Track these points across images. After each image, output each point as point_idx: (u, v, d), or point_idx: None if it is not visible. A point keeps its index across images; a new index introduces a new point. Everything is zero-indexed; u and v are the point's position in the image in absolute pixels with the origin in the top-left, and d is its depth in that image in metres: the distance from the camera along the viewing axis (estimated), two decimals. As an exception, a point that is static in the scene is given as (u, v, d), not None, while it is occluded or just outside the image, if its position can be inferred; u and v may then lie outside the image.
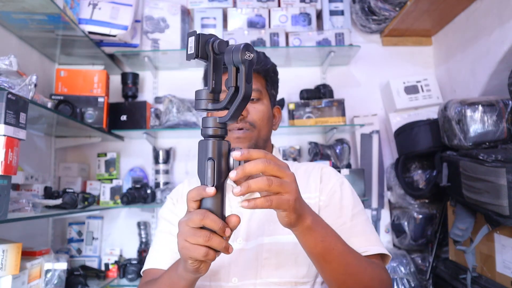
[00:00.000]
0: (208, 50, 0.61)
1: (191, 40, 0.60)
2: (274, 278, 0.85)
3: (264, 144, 0.97)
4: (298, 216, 0.61)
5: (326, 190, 0.91)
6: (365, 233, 0.86)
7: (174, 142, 2.17)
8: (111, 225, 2.11)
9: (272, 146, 1.05)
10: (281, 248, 0.86)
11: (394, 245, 2.09)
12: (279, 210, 0.59)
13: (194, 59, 0.61)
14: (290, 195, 0.57)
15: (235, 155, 0.57)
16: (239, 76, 0.59)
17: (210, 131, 0.59)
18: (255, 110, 0.94)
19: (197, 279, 0.74)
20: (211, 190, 0.56)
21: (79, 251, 2.00)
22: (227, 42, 0.62)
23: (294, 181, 0.60)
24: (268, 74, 0.98)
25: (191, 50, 0.60)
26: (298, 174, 0.97)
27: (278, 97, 2.37)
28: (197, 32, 0.60)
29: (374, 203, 2.07)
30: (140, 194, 1.90)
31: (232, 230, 0.59)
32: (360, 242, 0.83)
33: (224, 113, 0.59)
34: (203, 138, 0.60)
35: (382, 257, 0.84)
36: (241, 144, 0.92)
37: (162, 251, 0.94)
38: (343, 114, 1.97)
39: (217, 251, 0.59)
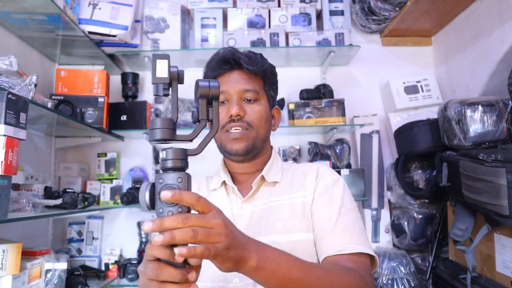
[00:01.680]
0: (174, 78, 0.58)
1: (163, 63, 0.56)
2: None
3: (262, 144, 0.97)
4: (237, 261, 0.59)
5: (320, 187, 0.92)
6: (349, 231, 0.83)
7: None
8: (111, 225, 2.11)
9: (272, 147, 1.05)
10: (283, 247, 0.84)
11: (394, 245, 2.10)
12: (213, 260, 0.56)
13: (167, 85, 0.57)
14: (220, 244, 0.55)
15: (164, 195, 0.53)
16: (210, 110, 0.60)
17: (181, 163, 0.57)
18: (253, 111, 0.94)
19: None
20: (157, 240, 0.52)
21: (79, 251, 2.00)
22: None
23: (224, 227, 0.56)
24: (265, 75, 0.98)
25: (163, 73, 0.56)
26: (296, 174, 0.98)
27: (278, 97, 2.36)
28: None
29: (374, 203, 2.07)
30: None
31: (197, 273, 0.56)
32: (341, 240, 0.81)
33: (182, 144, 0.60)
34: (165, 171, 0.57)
35: (371, 258, 0.82)
36: (238, 144, 0.92)
37: None
38: (343, 114, 1.97)
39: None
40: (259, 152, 0.97)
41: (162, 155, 0.57)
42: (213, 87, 0.59)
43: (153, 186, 0.56)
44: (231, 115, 0.92)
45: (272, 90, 1.01)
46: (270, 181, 0.96)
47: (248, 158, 0.96)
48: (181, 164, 0.57)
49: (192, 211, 0.57)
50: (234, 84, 0.95)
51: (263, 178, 0.96)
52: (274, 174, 0.98)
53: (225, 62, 0.96)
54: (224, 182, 0.99)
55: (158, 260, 0.55)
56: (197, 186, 1.05)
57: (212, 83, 0.60)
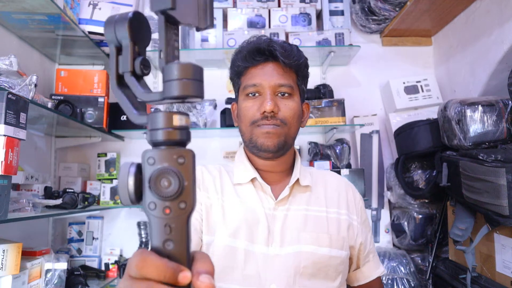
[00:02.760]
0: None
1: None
2: (308, 287, 0.84)
3: (292, 142, 0.93)
4: None
5: (361, 215, 0.97)
6: (376, 255, 1.00)
7: (174, 142, 2.17)
8: (111, 225, 2.11)
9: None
10: (317, 259, 0.85)
11: (394, 245, 2.10)
12: None
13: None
14: None
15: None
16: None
17: (182, 134, 0.38)
18: (286, 107, 0.88)
19: None
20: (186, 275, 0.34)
21: (79, 251, 2.00)
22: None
23: None
24: (300, 68, 0.92)
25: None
26: (328, 186, 0.97)
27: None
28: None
29: (374, 203, 2.07)
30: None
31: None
32: (375, 264, 0.98)
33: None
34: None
35: None
36: (270, 140, 0.87)
37: None
38: (343, 114, 1.97)
39: None
40: (288, 150, 0.93)
41: (151, 120, 0.37)
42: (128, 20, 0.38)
43: (139, 168, 0.37)
44: (265, 111, 0.86)
45: (304, 85, 0.96)
46: (303, 184, 0.93)
47: (277, 155, 0.91)
48: (181, 135, 0.37)
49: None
50: (268, 77, 0.88)
51: (297, 181, 0.93)
52: (305, 177, 0.94)
53: (259, 52, 0.89)
54: (252, 179, 0.93)
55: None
56: (212, 178, 0.95)
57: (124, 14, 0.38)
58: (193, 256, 0.37)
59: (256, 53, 0.89)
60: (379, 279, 1.00)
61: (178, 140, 0.36)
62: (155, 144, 0.37)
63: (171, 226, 0.35)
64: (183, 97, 0.35)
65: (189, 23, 0.37)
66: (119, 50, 0.38)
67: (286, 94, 0.89)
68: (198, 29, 0.38)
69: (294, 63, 0.89)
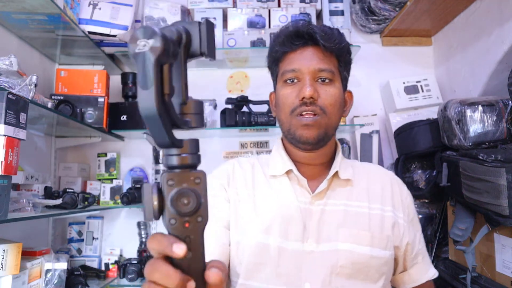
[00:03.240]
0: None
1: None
2: None
3: (333, 133, 0.87)
4: None
5: (410, 213, 0.92)
6: (426, 256, 0.95)
7: (174, 142, 2.17)
8: (111, 225, 2.11)
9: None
10: (356, 258, 0.79)
11: (394, 245, 2.10)
12: None
13: None
14: None
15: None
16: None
17: (194, 159, 0.43)
18: (327, 94, 0.83)
19: None
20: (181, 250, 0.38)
21: (79, 251, 2.00)
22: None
23: None
24: (341, 53, 0.87)
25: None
26: (371, 179, 0.91)
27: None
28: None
29: (374, 203, 2.06)
30: (140, 194, 1.90)
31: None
32: (426, 266, 0.92)
33: None
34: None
35: None
36: (309, 132, 0.82)
37: (208, 243, 0.79)
38: (343, 114, 1.97)
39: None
40: (328, 141, 0.87)
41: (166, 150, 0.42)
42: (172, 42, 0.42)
43: (159, 189, 0.41)
44: (304, 97, 0.81)
45: (346, 71, 0.90)
46: (343, 178, 0.87)
47: (317, 147, 0.86)
48: (193, 160, 0.42)
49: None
50: (307, 62, 0.83)
51: (336, 174, 0.87)
52: (345, 169, 0.88)
53: (298, 36, 0.85)
54: (288, 171, 0.88)
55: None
56: (243, 172, 0.92)
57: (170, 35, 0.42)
58: (208, 263, 0.41)
59: (294, 37, 0.85)
60: (430, 283, 0.93)
61: (193, 164, 0.42)
62: (172, 167, 0.42)
63: (191, 237, 0.40)
64: (190, 128, 0.42)
65: (210, 57, 0.46)
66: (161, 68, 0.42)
67: (327, 80, 0.84)
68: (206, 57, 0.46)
69: (335, 47, 0.84)
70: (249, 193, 0.87)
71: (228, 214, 0.86)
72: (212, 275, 0.39)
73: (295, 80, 0.84)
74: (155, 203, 0.40)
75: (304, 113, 0.82)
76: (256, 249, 0.81)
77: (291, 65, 0.85)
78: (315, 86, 0.82)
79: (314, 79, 0.83)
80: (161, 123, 0.38)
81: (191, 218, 0.40)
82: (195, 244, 0.41)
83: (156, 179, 2.08)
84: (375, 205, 0.86)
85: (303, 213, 0.82)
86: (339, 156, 0.90)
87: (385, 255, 0.82)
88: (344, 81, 0.89)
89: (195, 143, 0.42)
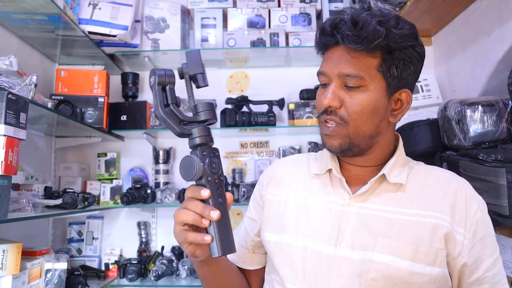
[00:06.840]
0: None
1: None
2: None
3: (369, 141, 0.76)
4: None
5: (467, 223, 0.74)
6: (504, 278, 0.77)
7: (174, 142, 2.17)
8: (111, 225, 2.11)
9: (397, 137, 0.84)
10: (393, 273, 0.70)
11: (394, 245, 2.09)
12: None
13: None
14: None
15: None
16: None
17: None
18: (352, 102, 0.73)
19: (205, 266, 0.75)
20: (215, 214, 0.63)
21: (79, 251, 2.00)
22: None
23: None
24: (385, 50, 0.73)
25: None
26: (430, 183, 0.79)
27: (278, 97, 2.34)
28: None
29: (374, 203, 2.06)
30: (140, 194, 1.90)
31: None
32: None
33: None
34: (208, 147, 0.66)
35: None
36: (331, 141, 0.76)
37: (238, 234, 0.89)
38: (343, 114, 1.97)
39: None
40: (366, 149, 0.78)
41: (197, 132, 0.65)
42: (169, 76, 0.65)
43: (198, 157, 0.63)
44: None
45: (397, 68, 0.75)
46: (393, 182, 0.77)
47: (350, 155, 0.78)
48: (211, 139, 0.66)
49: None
50: (333, 65, 0.75)
51: (383, 176, 0.78)
52: (398, 173, 0.78)
53: (323, 34, 0.76)
54: (330, 170, 0.82)
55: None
56: (284, 171, 0.89)
57: (168, 72, 0.65)
58: None
59: (322, 35, 0.77)
60: None
61: (211, 140, 0.66)
62: (200, 145, 0.64)
63: (219, 189, 0.64)
64: (206, 121, 0.66)
65: (201, 86, 0.67)
66: (163, 89, 0.65)
67: (354, 87, 0.73)
68: (198, 87, 0.68)
69: (367, 47, 0.70)
70: (286, 193, 0.85)
71: (258, 213, 0.90)
72: (229, 195, 0.65)
73: (328, 84, 0.77)
74: (200, 168, 0.62)
75: (325, 121, 0.76)
76: (285, 250, 0.79)
77: (322, 66, 0.80)
78: (337, 93, 0.74)
79: (341, 83, 0.75)
80: (169, 121, 0.63)
81: (218, 175, 0.64)
82: (222, 194, 0.64)
83: (156, 179, 2.08)
84: (429, 213, 0.74)
85: (338, 214, 0.77)
86: (394, 158, 0.79)
87: (432, 272, 0.71)
88: (393, 81, 0.75)
89: (207, 130, 0.66)
